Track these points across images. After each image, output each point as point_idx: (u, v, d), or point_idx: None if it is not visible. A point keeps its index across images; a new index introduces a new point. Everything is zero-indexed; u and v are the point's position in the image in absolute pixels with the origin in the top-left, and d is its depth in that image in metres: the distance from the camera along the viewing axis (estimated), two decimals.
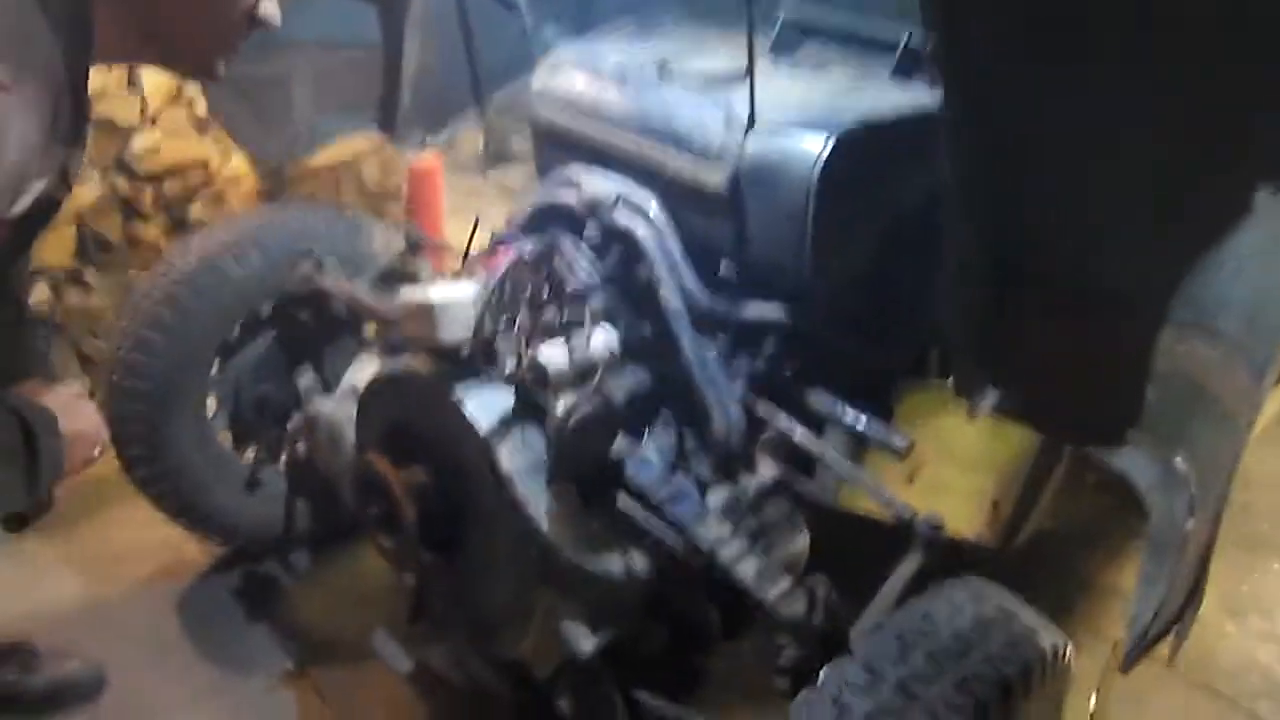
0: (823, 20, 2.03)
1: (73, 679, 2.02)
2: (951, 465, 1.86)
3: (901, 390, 1.73)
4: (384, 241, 2.38)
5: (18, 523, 1.47)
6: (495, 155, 4.73)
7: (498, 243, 1.88)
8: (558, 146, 1.90)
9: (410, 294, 1.55)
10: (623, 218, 1.71)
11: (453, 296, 1.49)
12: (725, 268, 1.69)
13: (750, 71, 1.51)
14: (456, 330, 1.49)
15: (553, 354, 1.50)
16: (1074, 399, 1.34)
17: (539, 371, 1.49)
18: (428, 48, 2.09)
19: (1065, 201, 1.26)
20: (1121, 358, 1.27)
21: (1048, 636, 1.31)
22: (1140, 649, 1.13)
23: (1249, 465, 3.06)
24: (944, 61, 1.18)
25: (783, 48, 2.10)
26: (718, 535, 1.46)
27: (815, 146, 1.48)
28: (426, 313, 1.48)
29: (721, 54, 1.93)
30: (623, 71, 1.81)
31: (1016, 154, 1.24)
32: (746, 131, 1.55)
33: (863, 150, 1.50)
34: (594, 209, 1.75)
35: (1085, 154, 1.20)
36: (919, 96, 1.73)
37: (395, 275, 2.33)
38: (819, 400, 1.67)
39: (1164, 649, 2.36)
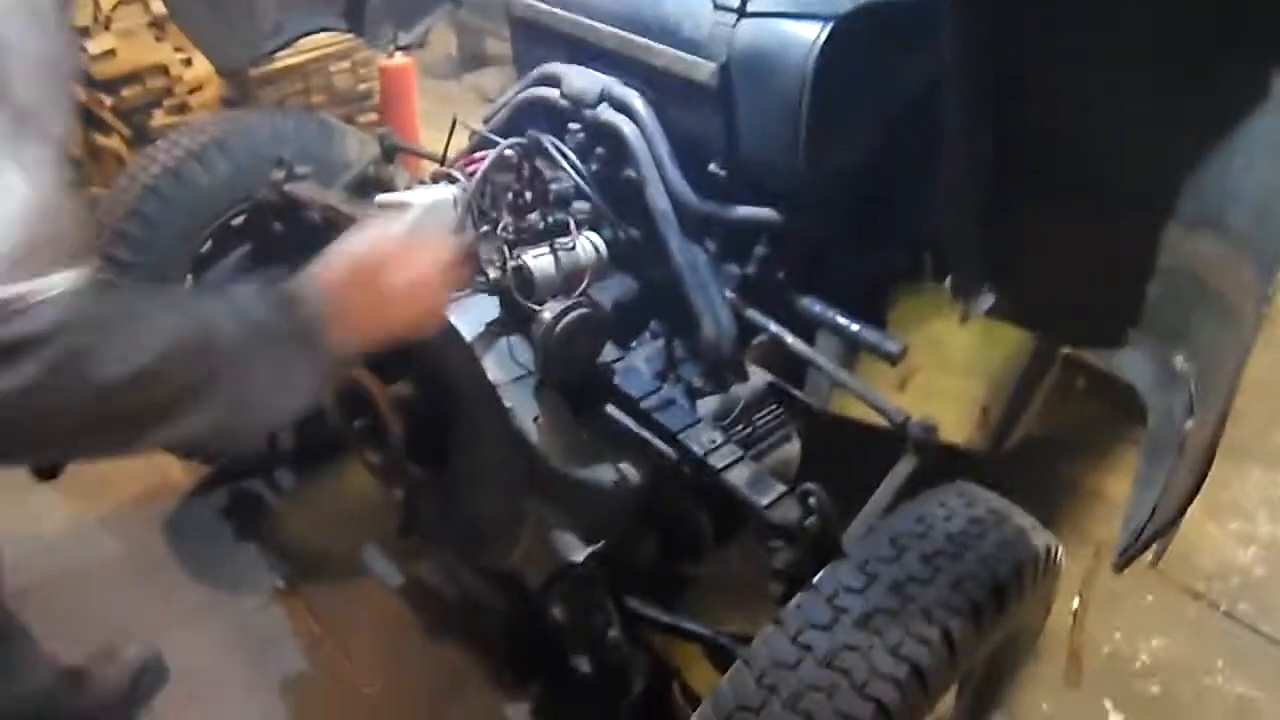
0: None
1: (142, 672, 1.96)
2: (943, 371, 1.83)
3: (895, 294, 1.68)
4: (358, 147, 2.29)
5: (48, 474, 1.40)
6: (469, 59, 4.57)
7: (477, 145, 1.80)
8: (536, 41, 1.81)
9: (387, 199, 1.48)
10: (607, 114, 1.64)
11: (431, 200, 1.43)
12: (715, 165, 1.62)
13: None
14: (439, 233, 1.43)
15: (538, 260, 1.45)
16: (1073, 298, 1.30)
17: (525, 278, 1.43)
18: None
19: (1070, 90, 1.20)
20: (1124, 255, 1.23)
21: (1039, 537, 1.31)
22: (1133, 550, 1.12)
23: None
24: None
25: None
26: (708, 442, 1.44)
27: (810, 34, 1.40)
28: (406, 215, 1.42)
29: None
30: None
31: (1020, 39, 1.18)
32: (737, 20, 1.47)
33: (860, 38, 1.43)
34: (577, 106, 1.68)
35: (1091, 40, 1.14)
36: None
37: (371, 182, 2.25)
38: (811, 305, 1.63)
39: (1148, 551, 2.39)
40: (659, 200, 1.59)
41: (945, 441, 1.93)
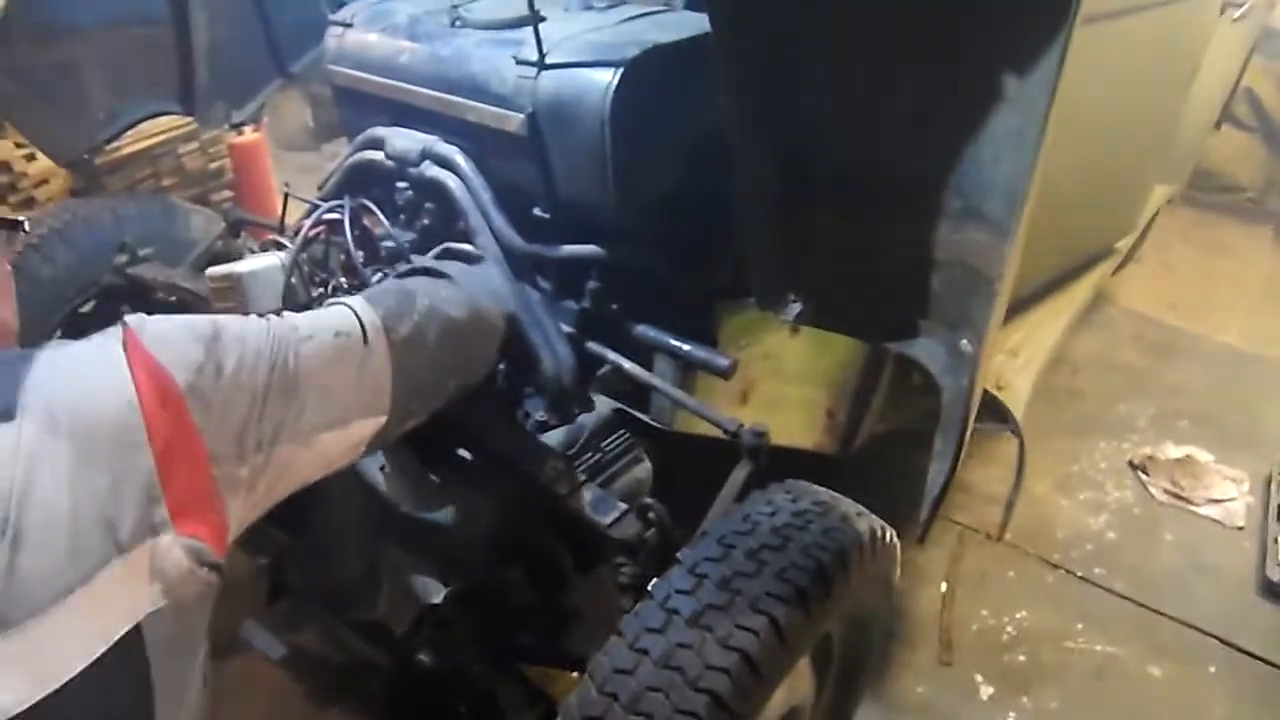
0: None
1: None
2: (782, 380, 1.93)
3: (724, 312, 1.78)
4: (204, 224, 2.30)
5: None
6: (325, 129, 4.59)
7: (312, 210, 1.85)
8: (360, 107, 1.87)
9: (215, 272, 1.51)
10: (431, 171, 1.71)
11: (258, 265, 1.47)
12: (538, 209, 1.70)
13: (533, 13, 1.51)
14: (268, 300, 1.47)
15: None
16: (867, 297, 1.42)
17: None
18: (217, 19, 2.01)
19: (834, 106, 1.32)
20: (904, 252, 1.35)
21: (864, 522, 1.40)
22: (928, 519, 1.22)
23: (1075, 351, 3.31)
24: None
25: None
26: (552, 472, 1.50)
27: (604, 78, 1.50)
28: (233, 285, 1.45)
29: (517, 3, 1.93)
30: (415, 25, 1.79)
31: (783, 54, 1.29)
32: (538, 72, 1.56)
33: (653, 77, 1.53)
34: (402, 165, 1.74)
35: (849, 53, 1.27)
36: (703, 22, 1.77)
37: (218, 257, 2.27)
38: (645, 332, 1.71)
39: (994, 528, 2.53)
40: (489, 246, 1.66)
41: (794, 447, 2.05)
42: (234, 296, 1.46)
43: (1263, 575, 2.41)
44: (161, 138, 3.06)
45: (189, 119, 2.54)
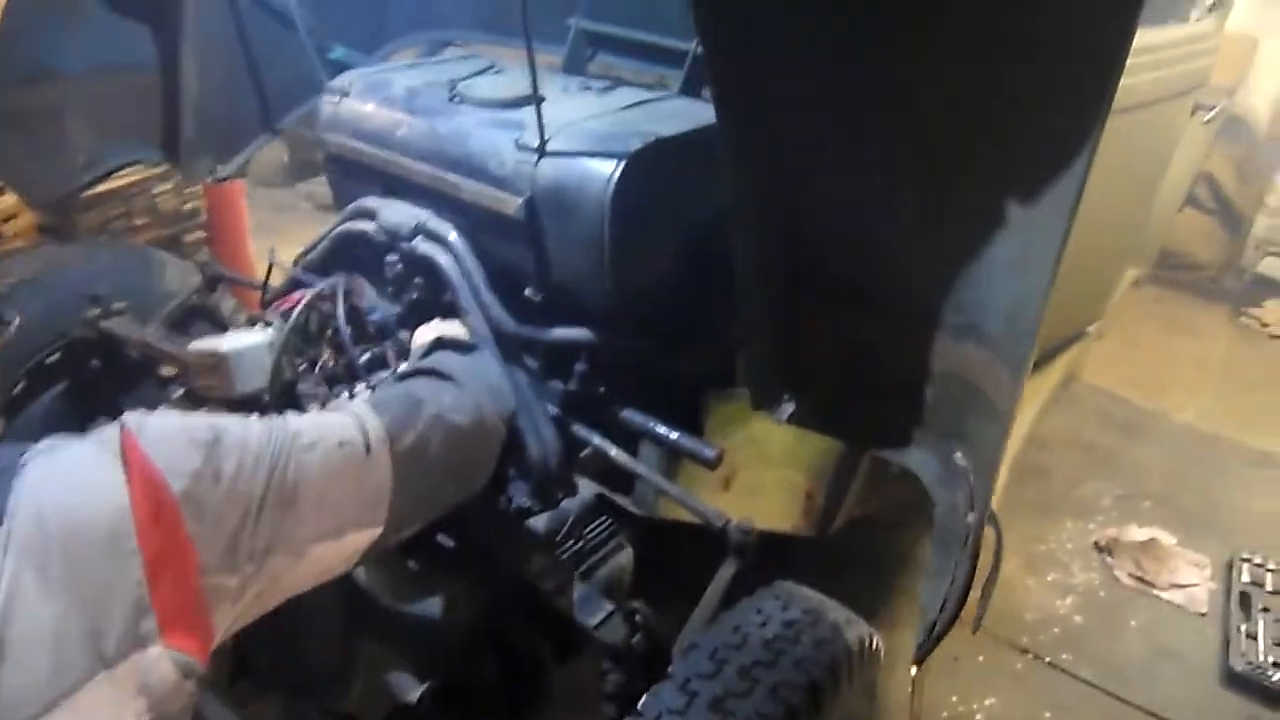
0: (614, 32, 2.06)
1: None
2: (765, 466, 1.93)
3: (712, 400, 1.77)
4: (180, 277, 2.25)
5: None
6: (301, 165, 4.55)
7: (295, 283, 1.81)
8: (352, 176, 1.85)
9: (201, 345, 1.47)
10: (424, 246, 1.69)
11: (244, 344, 1.43)
12: (530, 290, 1.68)
13: (535, 97, 1.51)
14: (254, 379, 1.43)
15: (362, 397, 1.46)
16: (861, 404, 1.41)
17: None
18: (207, 72, 1.98)
19: (837, 216, 1.33)
20: (902, 361, 1.35)
21: (853, 631, 1.39)
22: (928, 646, 1.21)
23: (1043, 431, 3.35)
24: (715, 71, 1.22)
25: (575, 62, 2.13)
26: (539, 566, 1.47)
27: (607, 169, 1.49)
28: (219, 364, 1.41)
29: (513, 75, 1.93)
30: (414, 97, 1.77)
31: (789, 163, 1.30)
32: (538, 158, 1.55)
33: (654, 169, 1.52)
34: (393, 239, 1.72)
35: (855, 166, 1.28)
36: (706, 111, 1.78)
37: (194, 312, 2.22)
38: (632, 417, 1.69)
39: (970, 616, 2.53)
40: (479, 327, 1.64)
41: (770, 534, 2.04)
42: (218, 374, 1.42)
43: (1226, 665, 2.44)
44: (135, 176, 3.00)
45: (168, 168, 2.50)
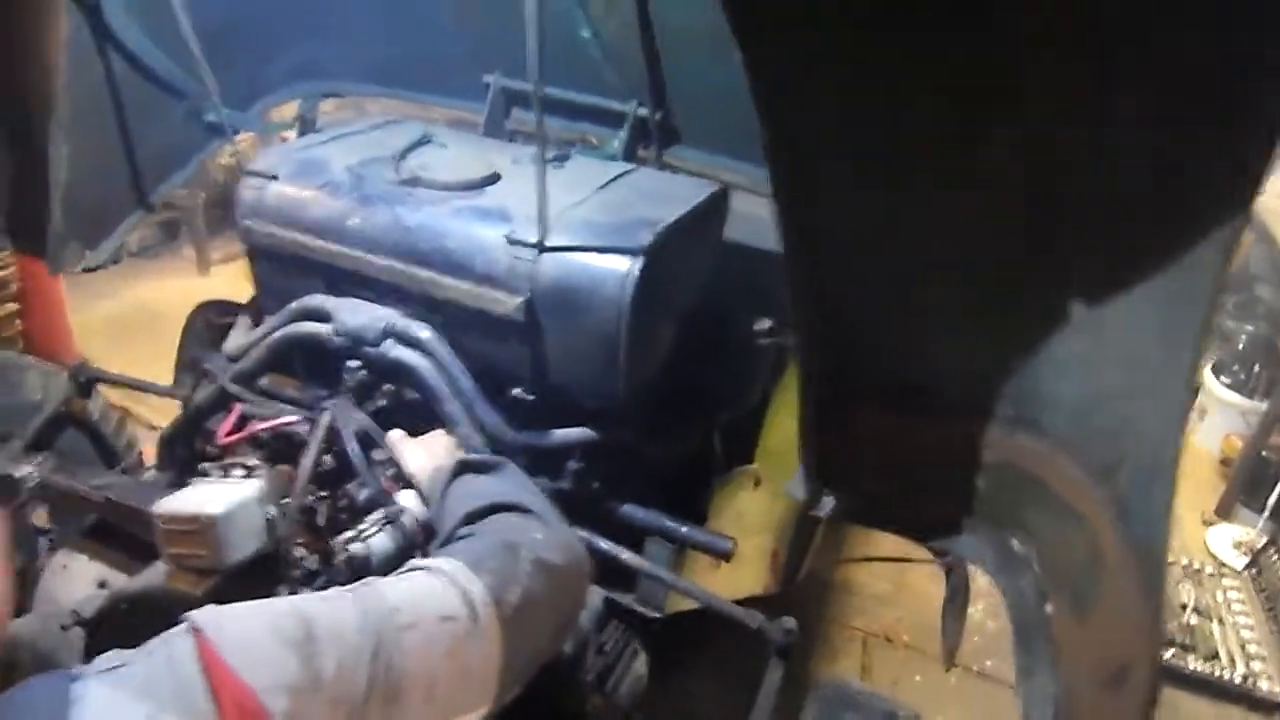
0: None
1: None
2: (746, 535, 1.89)
3: (716, 484, 1.72)
4: (41, 384, 1.91)
5: None
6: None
7: (224, 396, 1.57)
8: (287, 271, 1.62)
9: (173, 506, 1.22)
10: (396, 351, 1.51)
11: (232, 503, 1.21)
12: (519, 390, 1.55)
13: (541, 195, 1.38)
14: (246, 544, 1.21)
15: (375, 541, 1.28)
16: (908, 495, 1.40)
17: (362, 564, 1.25)
18: (78, 153, 1.67)
19: (892, 307, 1.30)
20: (951, 454, 1.34)
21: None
22: None
23: None
24: (774, 159, 1.15)
25: (495, 121, 2.00)
26: (572, 699, 1.37)
27: (623, 267, 1.40)
28: (201, 530, 1.18)
29: (459, 149, 1.77)
30: (361, 183, 1.58)
31: (845, 259, 1.25)
32: (538, 254, 1.43)
33: (663, 260, 1.44)
34: (356, 343, 1.52)
35: (910, 262, 1.25)
36: (677, 184, 1.71)
37: (66, 421, 1.90)
38: (633, 513, 1.61)
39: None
40: (470, 437, 1.49)
41: (749, 595, 2.02)
42: (203, 544, 1.19)
43: None
44: None
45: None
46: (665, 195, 1.60)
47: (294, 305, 1.58)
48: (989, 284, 1.19)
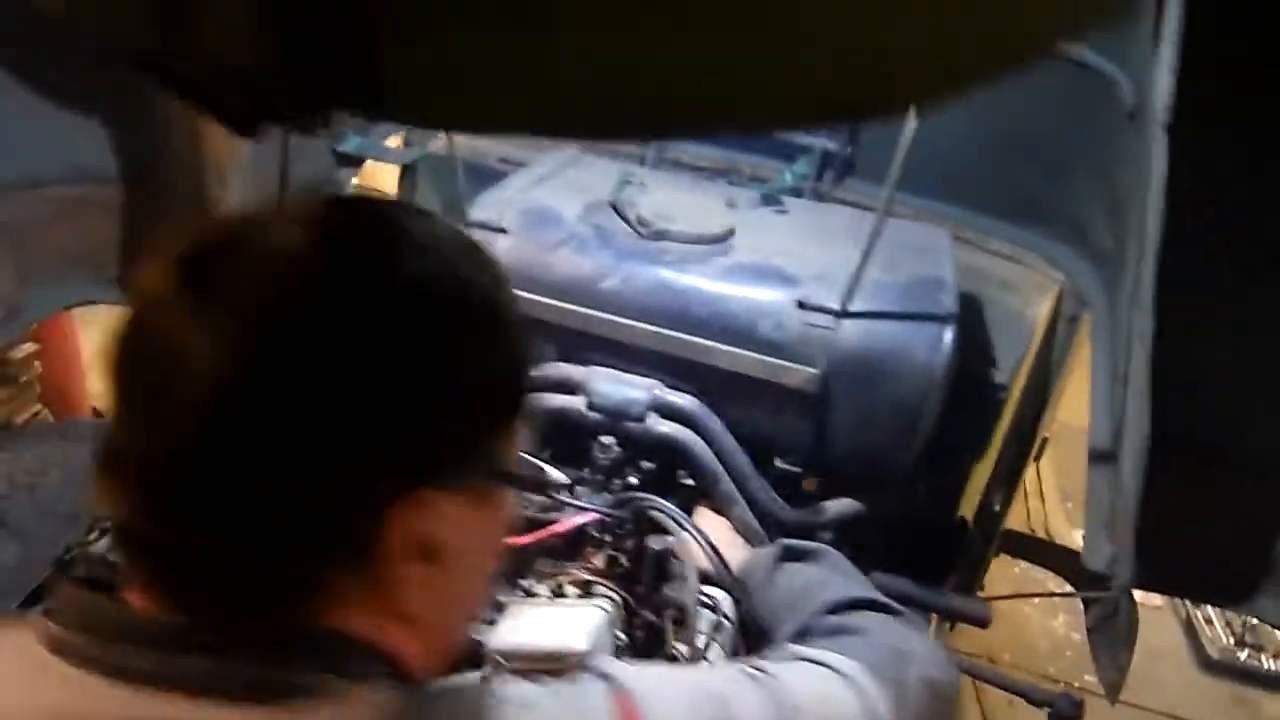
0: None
1: None
2: None
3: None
4: None
5: None
6: None
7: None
8: None
9: (519, 640, 1.04)
10: (662, 427, 1.37)
11: (588, 630, 1.06)
12: (783, 461, 1.44)
13: (866, 257, 1.27)
14: None
15: (711, 653, 1.15)
16: (1202, 558, 1.37)
17: None
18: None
19: (1221, 377, 1.26)
20: (1260, 518, 1.32)
21: None
22: None
23: None
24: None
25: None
26: None
27: (934, 334, 1.30)
28: (568, 669, 1.03)
29: (670, 190, 1.63)
30: (606, 239, 1.42)
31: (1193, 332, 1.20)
32: (838, 322, 1.31)
33: (961, 325, 1.36)
34: (614, 418, 1.38)
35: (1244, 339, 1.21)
36: (917, 235, 1.62)
37: None
38: (890, 583, 1.52)
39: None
40: (746, 519, 1.37)
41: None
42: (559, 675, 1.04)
43: (1202, 653, 2.75)
44: None
45: None
46: (915, 245, 1.51)
47: (536, 376, 1.41)
48: None
